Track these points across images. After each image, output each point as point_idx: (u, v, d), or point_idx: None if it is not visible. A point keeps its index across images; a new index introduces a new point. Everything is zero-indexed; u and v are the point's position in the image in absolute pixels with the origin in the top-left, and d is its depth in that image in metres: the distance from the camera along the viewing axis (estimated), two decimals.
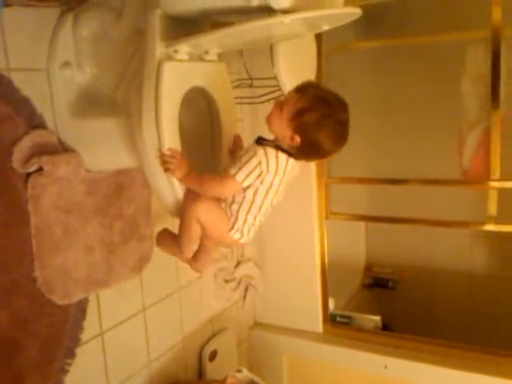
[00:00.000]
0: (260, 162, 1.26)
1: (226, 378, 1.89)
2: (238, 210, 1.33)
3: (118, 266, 1.68)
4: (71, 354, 1.58)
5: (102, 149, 1.51)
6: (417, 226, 2.56)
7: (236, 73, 2.12)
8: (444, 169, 2.35)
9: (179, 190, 1.32)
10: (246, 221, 1.35)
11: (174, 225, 1.47)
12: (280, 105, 1.29)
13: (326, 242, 2.45)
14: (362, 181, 2.49)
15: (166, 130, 1.27)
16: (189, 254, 1.45)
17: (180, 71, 1.33)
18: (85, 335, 1.63)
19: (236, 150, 1.49)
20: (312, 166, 2.32)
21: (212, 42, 1.36)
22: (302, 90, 1.28)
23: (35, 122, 1.43)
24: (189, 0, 1.28)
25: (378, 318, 2.50)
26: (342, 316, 2.55)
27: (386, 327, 2.55)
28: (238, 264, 2.47)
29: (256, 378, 2.00)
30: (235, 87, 2.03)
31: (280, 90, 1.82)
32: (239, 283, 2.45)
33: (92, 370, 1.68)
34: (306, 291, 2.49)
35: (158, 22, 1.30)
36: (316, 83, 1.39)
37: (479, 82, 2.24)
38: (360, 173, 2.52)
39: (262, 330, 2.62)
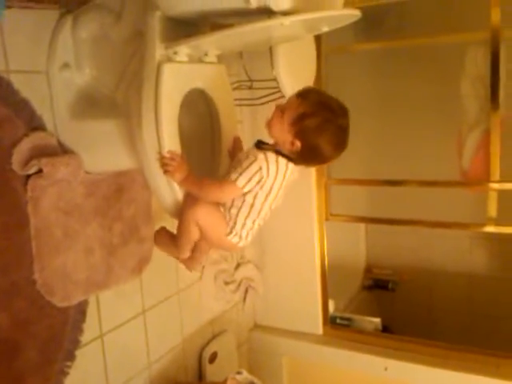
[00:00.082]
0: (261, 168, 1.26)
1: (226, 380, 1.89)
2: (236, 214, 1.33)
3: (118, 267, 1.68)
4: (71, 356, 1.57)
5: (101, 150, 1.51)
6: (417, 227, 2.56)
7: (235, 74, 2.12)
8: (444, 170, 2.35)
9: (179, 192, 1.32)
10: (244, 225, 1.35)
11: (173, 226, 1.47)
12: (281, 109, 1.29)
13: (325, 243, 2.45)
14: (361, 182, 2.49)
15: (165, 131, 1.27)
16: (186, 254, 1.46)
17: (179, 73, 1.33)
18: (84, 337, 1.62)
19: (236, 152, 1.49)
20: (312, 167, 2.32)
21: (211, 43, 1.36)
22: (303, 95, 1.28)
23: (35, 124, 1.43)
24: (188, 2, 1.27)
25: (378, 320, 2.50)
26: (342, 318, 2.55)
27: (386, 329, 2.55)
28: (238, 266, 2.47)
29: (256, 380, 2.00)
30: (235, 89, 2.03)
31: (280, 91, 1.83)
32: (239, 285, 2.45)
33: (92, 372, 1.68)
34: (306, 293, 2.49)
35: (158, 24, 1.30)
36: (317, 88, 1.40)
37: (479, 84, 2.25)
38: (360, 174, 2.52)
39: (261, 331, 2.62)
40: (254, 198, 1.31)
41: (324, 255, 2.45)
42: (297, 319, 2.53)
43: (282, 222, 2.41)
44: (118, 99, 1.48)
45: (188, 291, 2.14)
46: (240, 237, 1.36)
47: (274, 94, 1.90)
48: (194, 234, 1.35)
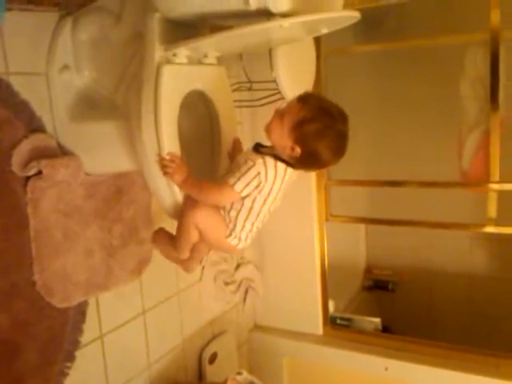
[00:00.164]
0: (259, 173, 1.26)
1: (226, 381, 1.89)
2: (236, 217, 1.34)
3: (118, 269, 1.68)
4: (71, 357, 1.58)
5: (101, 152, 1.51)
6: (417, 228, 2.55)
7: (235, 76, 2.12)
8: (444, 171, 2.35)
9: (178, 193, 1.32)
10: (244, 227, 1.35)
11: (173, 227, 1.47)
12: (280, 114, 1.29)
13: (325, 244, 2.45)
14: (361, 183, 2.49)
15: (165, 133, 1.27)
16: (185, 255, 1.46)
17: (179, 75, 1.34)
18: (84, 338, 1.63)
19: (235, 154, 1.49)
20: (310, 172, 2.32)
21: (211, 45, 1.36)
22: (303, 100, 1.27)
23: (34, 126, 1.43)
24: (188, 4, 1.28)
25: (378, 320, 2.50)
26: (342, 318, 2.55)
27: (386, 329, 2.55)
28: (238, 266, 2.47)
29: (256, 381, 2.00)
30: (234, 90, 2.03)
31: (279, 93, 1.83)
32: (239, 286, 2.45)
33: (92, 372, 1.68)
34: (306, 293, 2.49)
35: (157, 26, 1.31)
36: (317, 94, 1.40)
37: (478, 85, 2.25)
38: (360, 175, 2.52)
39: (262, 332, 2.62)
40: (253, 202, 1.31)
41: (324, 256, 2.45)
42: (297, 320, 2.53)
43: (282, 223, 2.41)
44: (117, 101, 1.48)
45: (188, 292, 2.14)
46: (239, 239, 1.37)
47: (273, 95, 1.90)
48: (193, 235, 1.35)
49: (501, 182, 2.00)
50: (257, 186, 1.27)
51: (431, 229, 2.36)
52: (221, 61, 1.49)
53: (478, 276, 3.00)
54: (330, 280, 2.48)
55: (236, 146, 1.52)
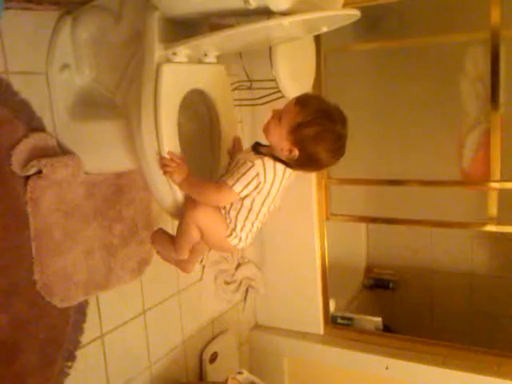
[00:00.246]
0: (258, 174, 1.26)
1: (226, 380, 1.89)
2: (236, 217, 1.34)
3: (118, 268, 1.68)
4: (71, 357, 1.58)
5: (101, 151, 1.51)
6: (417, 226, 2.56)
7: (235, 75, 2.12)
8: (444, 170, 2.35)
9: (178, 193, 1.32)
10: (244, 227, 1.35)
11: (173, 227, 1.47)
12: (278, 115, 1.28)
13: (326, 243, 2.45)
14: (362, 182, 2.49)
15: (165, 132, 1.27)
16: (184, 256, 1.46)
17: (179, 73, 1.33)
18: (85, 338, 1.62)
19: (235, 152, 1.48)
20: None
21: (211, 44, 1.36)
22: (302, 102, 1.26)
23: (34, 125, 1.43)
24: (187, 2, 1.27)
25: (378, 320, 2.50)
26: (342, 317, 2.55)
27: (386, 328, 2.55)
28: (239, 266, 2.47)
29: (257, 380, 1.99)
30: (234, 89, 2.03)
31: (279, 91, 1.83)
32: (240, 285, 2.45)
33: (92, 372, 1.68)
34: (307, 293, 2.49)
35: (157, 25, 1.30)
36: (316, 95, 1.39)
37: (479, 84, 2.25)
38: (360, 174, 2.52)
39: (262, 331, 2.62)
40: (252, 202, 1.31)
41: (324, 255, 2.45)
42: (298, 319, 2.53)
43: (282, 222, 2.41)
44: (117, 100, 1.47)
45: (188, 291, 2.14)
46: (240, 239, 1.37)
47: (273, 93, 1.90)
48: (194, 235, 1.35)
49: (502, 180, 2.00)
50: (256, 187, 1.27)
51: (432, 228, 2.37)
52: (221, 59, 1.49)
53: (479, 275, 3.00)
54: (330, 279, 2.48)
55: (236, 144, 1.52)
